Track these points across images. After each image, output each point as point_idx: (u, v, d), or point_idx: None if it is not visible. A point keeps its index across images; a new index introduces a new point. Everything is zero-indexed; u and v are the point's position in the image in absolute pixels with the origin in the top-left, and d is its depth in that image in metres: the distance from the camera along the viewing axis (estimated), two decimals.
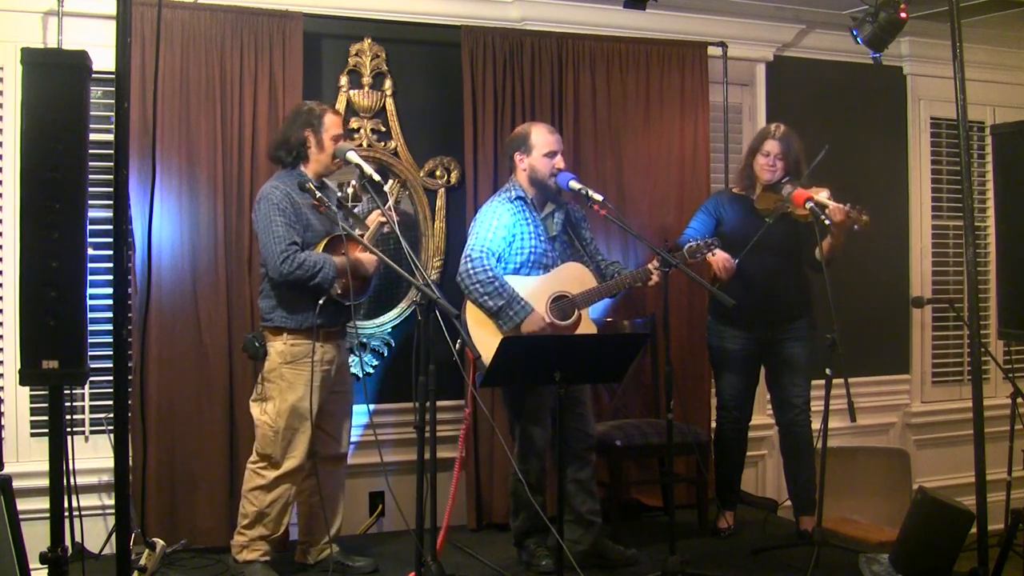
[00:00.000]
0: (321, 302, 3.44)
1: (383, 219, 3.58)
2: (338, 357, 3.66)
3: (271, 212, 3.45)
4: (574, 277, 3.73)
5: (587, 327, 3.73)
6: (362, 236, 3.53)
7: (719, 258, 3.83)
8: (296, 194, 3.51)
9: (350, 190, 4.36)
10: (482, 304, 3.59)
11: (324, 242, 3.54)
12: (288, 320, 3.52)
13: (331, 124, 3.61)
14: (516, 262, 3.69)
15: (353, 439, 4.35)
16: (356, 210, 4.24)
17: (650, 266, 3.68)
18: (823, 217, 3.74)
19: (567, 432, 3.64)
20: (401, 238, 3.31)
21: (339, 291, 3.46)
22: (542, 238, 3.74)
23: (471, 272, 3.59)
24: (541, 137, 3.73)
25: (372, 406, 4.26)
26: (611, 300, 3.98)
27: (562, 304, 3.68)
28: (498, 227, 3.66)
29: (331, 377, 3.62)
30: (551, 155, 3.70)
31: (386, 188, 3.73)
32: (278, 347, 3.53)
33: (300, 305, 3.50)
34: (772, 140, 4.03)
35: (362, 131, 4.40)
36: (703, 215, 4.15)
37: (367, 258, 3.57)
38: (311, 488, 3.69)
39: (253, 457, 3.59)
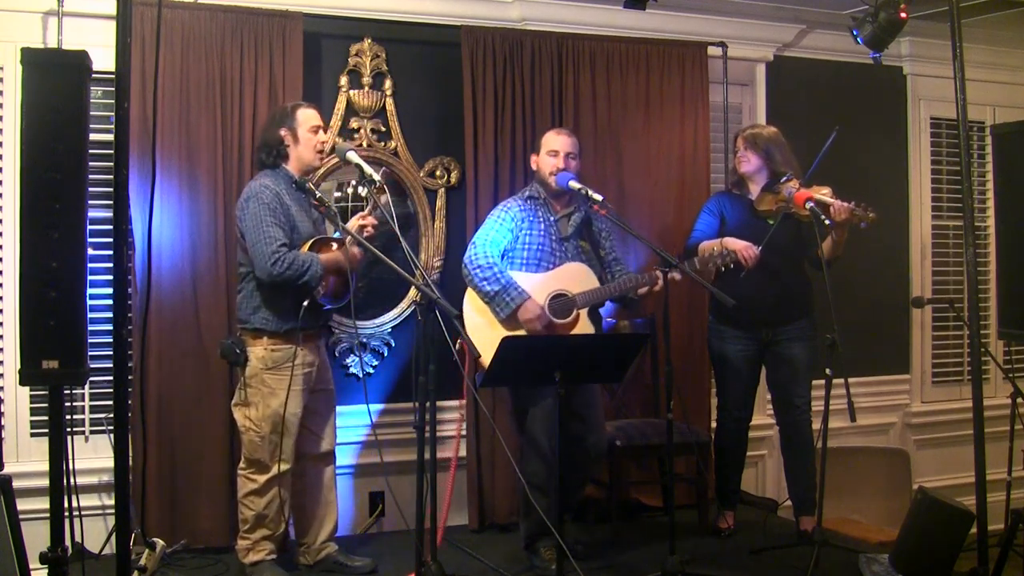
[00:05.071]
0: (305, 304, 3.41)
1: (364, 222, 3.53)
2: (318, 358, 3.64)
3: (261, 211, 3.41)
4: (575, 277, 3.75)
5: (584, 327, 3.73)
6: (343, 238, 3.52)
7: (740, 246, 3.83)
8: (285, 194, 3.48)
9: (349, 190, 4.35)
10: (480, 288, 3.67)
11: (309, 243, 3.50)
12: (270, 323, 3.47)
13: (304, 118, 3.57)
14: (523, 258, 3.77)
15: (353, 439, 4.36)
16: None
17: (657, 272, 3.66)
18: (824, 218, 3.75)
19: (574, 440, 3.64)
20: (401, 238, 3.30)
21: (322, 292, 3.44)
22: (553, 237, 3.79)
23: (473, 258, 3.71)
24: (545, 136, 3.90)
25: (372, 406, 4.26)
26: (616, 305, 3.98)
27: (561, 302, 3.70)
28: (505, 219, 3.79)
29: (312, 378, 3.60)
30: (552, 154, 3.81)
31: (364, 192, 3.74)
32: (259, 352, 3.49)
33: (284, 307, 3.46)
34: (740, 137, 4.14)
35: (362, 131, 4.39)
36: (707, 215, 4.16)
37: (350, 255, 3.51)
38: (301, 489, 3.68)
39: (242, 464, 3.57)
